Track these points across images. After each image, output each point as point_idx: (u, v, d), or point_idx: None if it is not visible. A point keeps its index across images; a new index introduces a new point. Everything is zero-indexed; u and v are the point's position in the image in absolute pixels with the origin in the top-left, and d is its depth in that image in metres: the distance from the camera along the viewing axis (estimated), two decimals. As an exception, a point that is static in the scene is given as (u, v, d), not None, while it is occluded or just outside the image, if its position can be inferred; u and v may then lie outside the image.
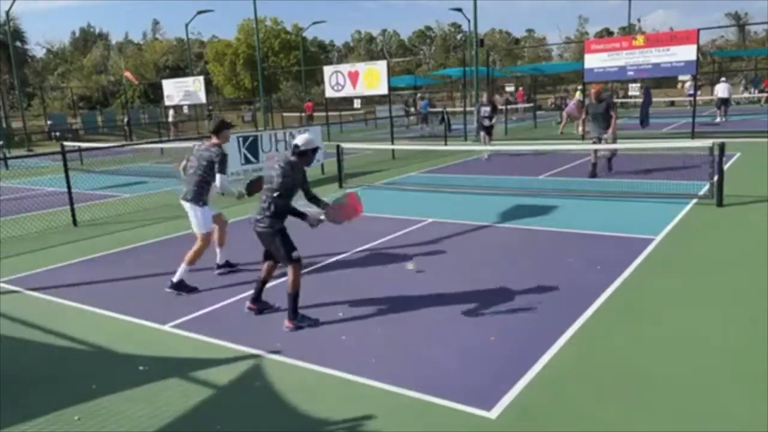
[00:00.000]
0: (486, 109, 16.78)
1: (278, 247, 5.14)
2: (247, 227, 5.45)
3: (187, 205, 6.44)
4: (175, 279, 6.23)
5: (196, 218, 6.41)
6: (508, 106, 30.97)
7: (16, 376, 4.58)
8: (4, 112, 36.95)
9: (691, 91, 25.64)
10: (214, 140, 6.33)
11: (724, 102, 24.96)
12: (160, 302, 6.01)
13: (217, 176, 6.26)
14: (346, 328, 5.11)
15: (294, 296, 5.12)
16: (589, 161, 12.47)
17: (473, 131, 22.82)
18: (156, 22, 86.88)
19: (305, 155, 5.22)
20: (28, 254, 8.36)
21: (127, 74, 43.96)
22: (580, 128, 14.16)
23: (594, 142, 12.15)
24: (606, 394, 3.86)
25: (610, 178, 11.93)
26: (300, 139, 5.22)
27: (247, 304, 5.58)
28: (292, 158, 5.18)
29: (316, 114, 37.68)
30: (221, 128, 6.34)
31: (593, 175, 12.13)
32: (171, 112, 32.73)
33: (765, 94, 33.89)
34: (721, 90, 25.05)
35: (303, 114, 38.36)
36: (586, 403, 3.76)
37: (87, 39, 78.36)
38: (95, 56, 69.27)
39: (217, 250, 6.94)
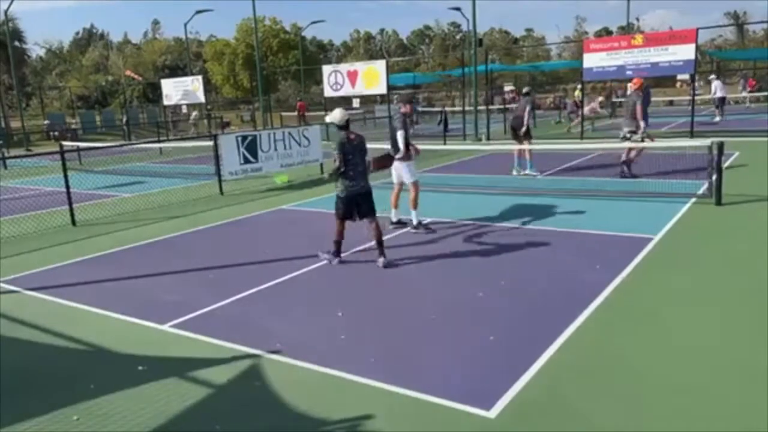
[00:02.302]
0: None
1: (372, 201, 6.90)
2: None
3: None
4: (415, 222, 8.37)
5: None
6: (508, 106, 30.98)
7: (15, 376, 4.58)
8: (2, 112, 36.91)
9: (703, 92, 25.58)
10: (402, 109, 8.42)
11: (722, 101, 24.94)
12: (159, 302, 6.01)
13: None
14: (345, 327, 5.11)
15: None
16: (621, 159, 12.04)
17: (473, 133, 22.86)
18: (156, 22, 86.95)
19: (345, 127, 6.84)
20: (27, 254, 8.35)
21: (129, 72, 44.18)
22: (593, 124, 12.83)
23: (623, 139, 11.67)
24: (605, 393, 3.86)
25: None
26: (331, 118, 6.89)
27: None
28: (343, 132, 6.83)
29: (315, 114, 37.66)
30: (408, 101, 8.79)
31: (624, 174, 11.76)
32: (195, 113, 32.83)
33: (749, 95, 33.81)
34: (720, 88, 25.05)
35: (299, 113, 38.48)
36: (584, 403, 3.76)
37: (90, 38, 78.40)
38: (94, 56, 69.31)
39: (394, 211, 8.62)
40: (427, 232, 8.27)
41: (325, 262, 6.98)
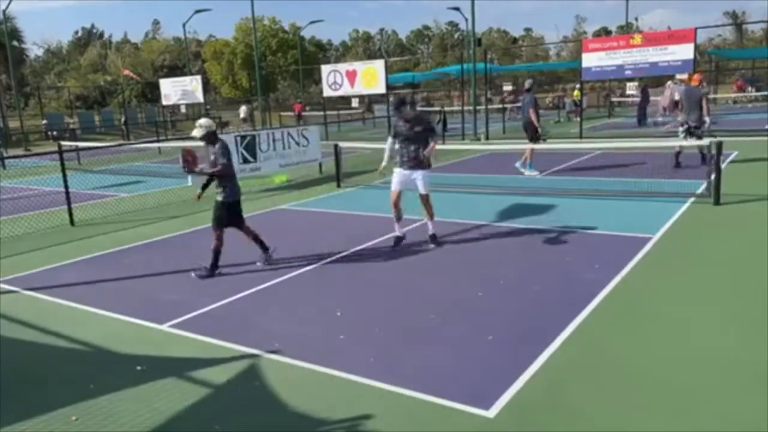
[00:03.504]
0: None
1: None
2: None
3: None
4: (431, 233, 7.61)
5: None
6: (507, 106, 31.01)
7: (13, 376, 4.57)
8: (1, 112, 36.87)
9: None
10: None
11: (675, 105, 24.63)
12: (158, 302, 6.00)
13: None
14: (344, 327, 5.10)
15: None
16: (675, 152, 12.42)
17: (472, 133, 22.86)
18: (156, 22, 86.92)
19: (211, 135, 6.78)
20: (25, 254, 8.34)
21: (126, 72, 44.15)
22: (679, 117, 12.50)
23: (685, 133, 11.73)
24: (604, 393, 3.86)
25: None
26: (200, 125, 6.74)
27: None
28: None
29: (313, 113, 37.74)
30: (397, 104, 7.70)
31: (678, 164, 12.17)
32: (244, 108, 32.96)
33: (734, 94, 34.01)
34: (678, 92, 24.71)
35: (295, 114, 38.60)
36: (584, 403, 3.76)
37: (90, 38, 78.33)
38: (92, 55, 69.23)
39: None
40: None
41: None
